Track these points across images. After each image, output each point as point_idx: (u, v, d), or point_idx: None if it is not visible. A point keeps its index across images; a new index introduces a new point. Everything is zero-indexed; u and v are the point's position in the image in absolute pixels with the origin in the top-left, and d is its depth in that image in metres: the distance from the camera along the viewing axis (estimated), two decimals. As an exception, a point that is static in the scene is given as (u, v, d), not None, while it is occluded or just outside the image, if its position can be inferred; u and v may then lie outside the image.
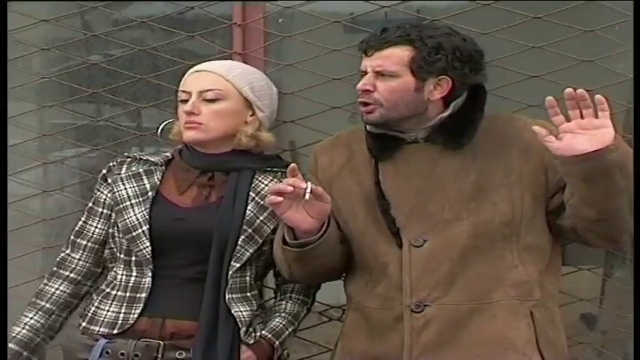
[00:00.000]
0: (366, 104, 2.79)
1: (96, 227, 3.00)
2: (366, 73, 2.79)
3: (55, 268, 3.01)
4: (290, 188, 2.66)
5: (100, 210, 3.00)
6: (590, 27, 3.35)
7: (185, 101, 2.95)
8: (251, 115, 2.97)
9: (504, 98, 3.31)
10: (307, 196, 2.67)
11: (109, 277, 2.98)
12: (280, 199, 2.66)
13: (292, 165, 2.70)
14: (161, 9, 3.65)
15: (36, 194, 3.65)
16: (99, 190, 3.03)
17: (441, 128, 2.79)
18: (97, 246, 3.00)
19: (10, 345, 2.93)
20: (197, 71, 2.99)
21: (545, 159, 2.75)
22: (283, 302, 3.00)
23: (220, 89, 2.94)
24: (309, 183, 2.69)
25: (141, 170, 2.99)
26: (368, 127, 2.86)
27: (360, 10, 3.53)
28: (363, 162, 2.87)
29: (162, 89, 3.61)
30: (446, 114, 2.79)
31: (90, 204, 3.04)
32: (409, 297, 2.73)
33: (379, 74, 2.77)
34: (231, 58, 3.44)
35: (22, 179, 3.65)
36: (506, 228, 2.73)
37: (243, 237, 2.87)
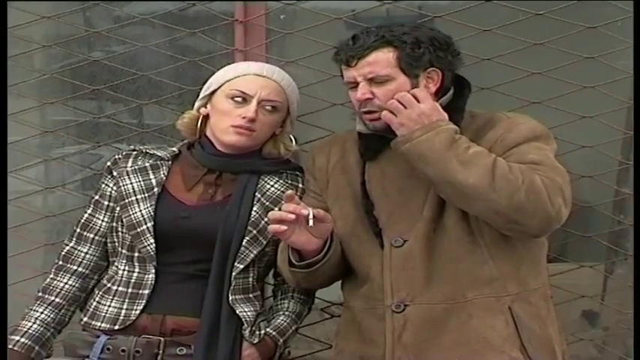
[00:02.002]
0: (370, 112, 2.78)
1: (102, 220, 2.99)
2: (356, 83, 2.77)
3: (61, 262, 3.00)
4: (292, 216, 2.65)
5: (106, 203, 2.99)
6: (591, 24, 3.34)
7: (240, 103, 2.91)
8: (281, 127, 2.98)
9: (506, 95, 3.31)
10: (311, 222, 2.67)
11: (110, 272, 2.98)
12: (285, 227, 2.66)
13: (289, 192, 2.69)
14: (162, 6, 3.65)
15: (37, 191, 3.65)
16: (104, 183, 3.01)
17: None
18: (103, 239, 2.99)
19: (22, 339, 2.92)
20: (257, 75, 2.95)
21: (494, 149, 2.72)
22: (286, 301, 3.00)
23: (281, 102, 2.95)
24: (310, 209, 2.68)
25: (147, 164, 2.99)
26: (358, 127, 2.86)
27: (361, 6, 3.53)
28: (354, 162, 2.88)
29: (163, 86, 3.61)
30: None
31: (96, 196, 3.02)
32: (390, 297, 2.74)
33: (372, 81, 2.75)
34: (232, 55, 3.44)
35: (23, 176, 3.65)
36: (465, 223, 2.72)
37: (247, 238, 2.87)
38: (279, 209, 2.69)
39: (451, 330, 2.70)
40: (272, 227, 2.68)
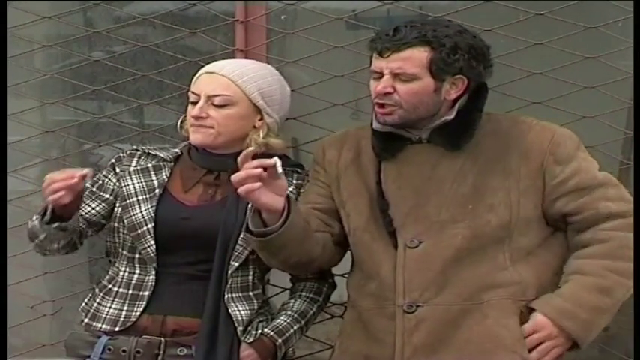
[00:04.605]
0: (383, 106, 2.76)
1: (93, 208, 2.98)
2: (380, 73, 2.76)
3: None
4: (258, 171, 2.61)
5: (107, 196, 2.99)
6: (592, 24, 3.34)
7: (194, 103, 2.93)
8: (259, 120, 2.95)
9: (507, 95, 3.31)
10: (280, 169, 2.62)
11: (110, 273, 2.98)
12: (259, 184, 2.61)
13: (246, 151, 2.66)
14: (163, 6, 3.65)
15: (38, 191, 3.64)
16: (107, 177, 3.01)
17: (442, 129, 2.79)
18: (89, 220, 2.97)
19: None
20: (208, 72, 2.96)
21: (543, 163, 2.76)
22: (292, 300, 2.99)
23: (229, 94, 2.91)
24: (275, 158, 2.65)
25: (149, 165, 2.99)
26: (374, 125, 2.84)
27: (362, 7, 3.53)
28: (370, 160, 2.86)
29: (164, 86, 3.61)
30: (451, 117, 2.78)
31: (93, 188, 3.00)
32: (402, 297, 2.73)
33: (397, 76, 2.74)
34: (233, 55, 3.44)
35: (24, 176, 3.65)
36: (502, 231, 2.73)
37: (242, 236, 2.86)
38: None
39: (463, 330, 2.70)
40: (244, 188, 2.62)
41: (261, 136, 2.93)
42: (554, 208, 2.76)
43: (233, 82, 2.92)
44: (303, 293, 3.00)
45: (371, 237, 2.80)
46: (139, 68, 3.64)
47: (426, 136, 2.81)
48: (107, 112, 3.83)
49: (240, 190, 2.63)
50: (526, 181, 2.75)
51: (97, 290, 2.98)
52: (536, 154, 2.76)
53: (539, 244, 2.77)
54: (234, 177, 2.63)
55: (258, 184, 2.62)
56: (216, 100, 2.90)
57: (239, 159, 2.66)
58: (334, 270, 3.02)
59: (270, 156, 2.91)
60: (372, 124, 2.85)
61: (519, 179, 2.75)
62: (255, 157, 2.66)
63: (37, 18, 3.60)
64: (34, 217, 2.88)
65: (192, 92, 2.94)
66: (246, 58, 3.38)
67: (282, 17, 3.80)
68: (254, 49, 3.47)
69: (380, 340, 2.76)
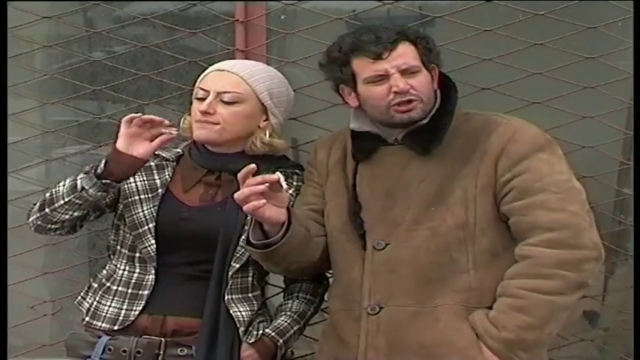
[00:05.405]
0: (407, 102, 2.74)
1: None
2: (384, 76, 2.75)
3: None
4: (262, 187, 2.62)
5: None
6: (592, 24, 3.34)
7: (202, 99, 2.92)
8: (264, 120, 2.96)
9: (507, 95, 3.31)
10: (284, 184, 2.64)
11: (108, 270, 2.98)
12: (264, 201, 2.62)
13: (247, 167, 2.65)
14: (163, 6, 3.65)
15: (38, 191, 3.64)
16: None
17: (415, 132, 2.78)
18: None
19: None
20: (219, 70, 2.96)
21: (497, 159, 2.71)
22: (290, 301, 2.99)
23: (239, 92, 2.92)
24: (277, 173, 2.66)
25: (152, 164, 2.98)
26: (352, 125, 2.85)
27: (362, 7, 3.53)
28: (350, 162, 2.87)
29: (164, 86, 3.61)
30: (425, 120, 2.77)
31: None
32: (367, 299, 2.74)
33: (405, 72, 2.74)
34: (233, 55, 3.44)
35: (24, 176, 3.65)
36: (461, 231, 2.71)
37: (243, 237, 2.86)
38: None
39: (416, 333, 2.69)
40: (250, 206, 2.62)
41: (267, 135, 2.94)
42: (500, 208, 2.72)
43: (244, 80, 2.93)
44: (300, 294, 3.00)
45: (346, 238, 2.81)
46: (139, 68, 3.64)
47: (400, 138, 2.81)
48: (107, 112, 3.83)
49: (246, 207, 2.64)
50: (484, 178, 2.72)
51: (95, 285, 2.98)
52: (494, 151, 2.72)
53: (504, 246, 2.73)
54: (238, 195, 2.64)
55: (263, 201, 2.63)
56: (226, 97, 2.91)
57: (240, 175, 2.65)
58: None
59: (272, 156, 2.92)
60: (349, 125, 2.86)
61: (477, 177, 2.72)
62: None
63: (37, 18, 3.60)
64: (70, 180, 2.85)
65: (201, 88, 2.94)
66: (246, 58, 3.38)
67: (282, 17, 3.80)
68: (254, 49, 3.47)
69: (346, 342, 2.77)
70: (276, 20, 3.67)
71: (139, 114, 2.80)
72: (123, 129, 2.81)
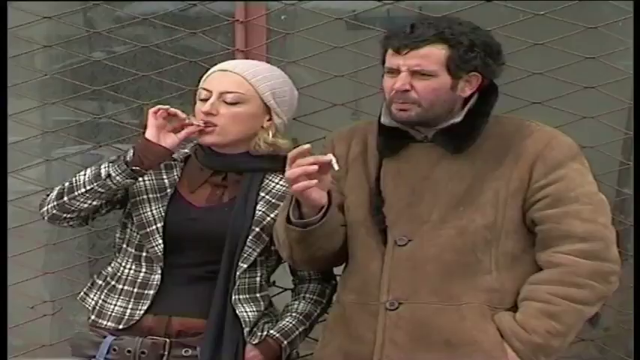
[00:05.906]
0: (401, 102, 2.74)
1: None
2: (396, 71, 2.74)
3: None
4: (314, 167, 2.60)
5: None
6: (592, 24, 3.35)
7: (204, 100, 2.91)
8: (268, 120, 2.95)
9: (507, 95, 3.31)
10: (336, 166, 2.62)
11: (113, 268, 2.97)
12: (315, 181, 2.61)
13: (306, 146, 2.63)
14: (163, 6, 3.65)
15: (38, 191, 3.65)
16: None
17: (448, 131, 2.78)
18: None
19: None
20: (221, 70, 2.95)
21: (533, 164, 2.73)
22: (296, 302, 2.99)
23: (242, 92, 2.91)
24: (329, 155, 2.64)
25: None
26: (382, 119, 2.83)
27: (362, 7, 3.53)
28: (373, 156, 2.86)
29: (164, 86, 3.61)
30: (459, 119, 2.77)
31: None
32: (386, 294, 2.73)
33: (415, 73, 2.72)
34: (233, 56, 3.44)
35: (24, 176, 3.65)
36: (488, 232, 2.72)
37: (251, 237, 2.87)
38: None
39: (441, 330, 2.69)
40: (301, 185, 2.61)
41: (270, 135, 2.93)
42: (529, 213, 2.74)
43: (246, 80, 2.92)
44: (307, 295, 3.00)
45: (366, 232, 2.80)
46: (139, 68, 3.64)
47: (430, 136, 2.81)
48: (107, 112, 3.83)
49: (296, 186, 2.63)
50: (516, 182, 2.73)
51: (99, 282, 2.97)
52: (529, 156, 2.74)
53: (523, 250, 2.74)
54: (290, 174, 2.63)
55: (315, 181, 2.62)
56: (229, 98, 2.90)
57: (291, 154, 2.63)
58: (335, 270, 3.02)
59: (277, 157, 2.91)
60: (379, 119, 2.85)
61: (510, 180, 2.73)
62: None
63: (37, 18, 3.60)
64: (93, 169, 2.86)
65: (204, 89, 2.93)
66: (246, 58, 3.38)
67: (282, 17, 3.80)
68: (254, 49, 3.47)
69: (360, 336, 2.76)
70: (277, 20, 3.68)
71: (166, 106, 2.84)
72: (151, 119, 2.84)
